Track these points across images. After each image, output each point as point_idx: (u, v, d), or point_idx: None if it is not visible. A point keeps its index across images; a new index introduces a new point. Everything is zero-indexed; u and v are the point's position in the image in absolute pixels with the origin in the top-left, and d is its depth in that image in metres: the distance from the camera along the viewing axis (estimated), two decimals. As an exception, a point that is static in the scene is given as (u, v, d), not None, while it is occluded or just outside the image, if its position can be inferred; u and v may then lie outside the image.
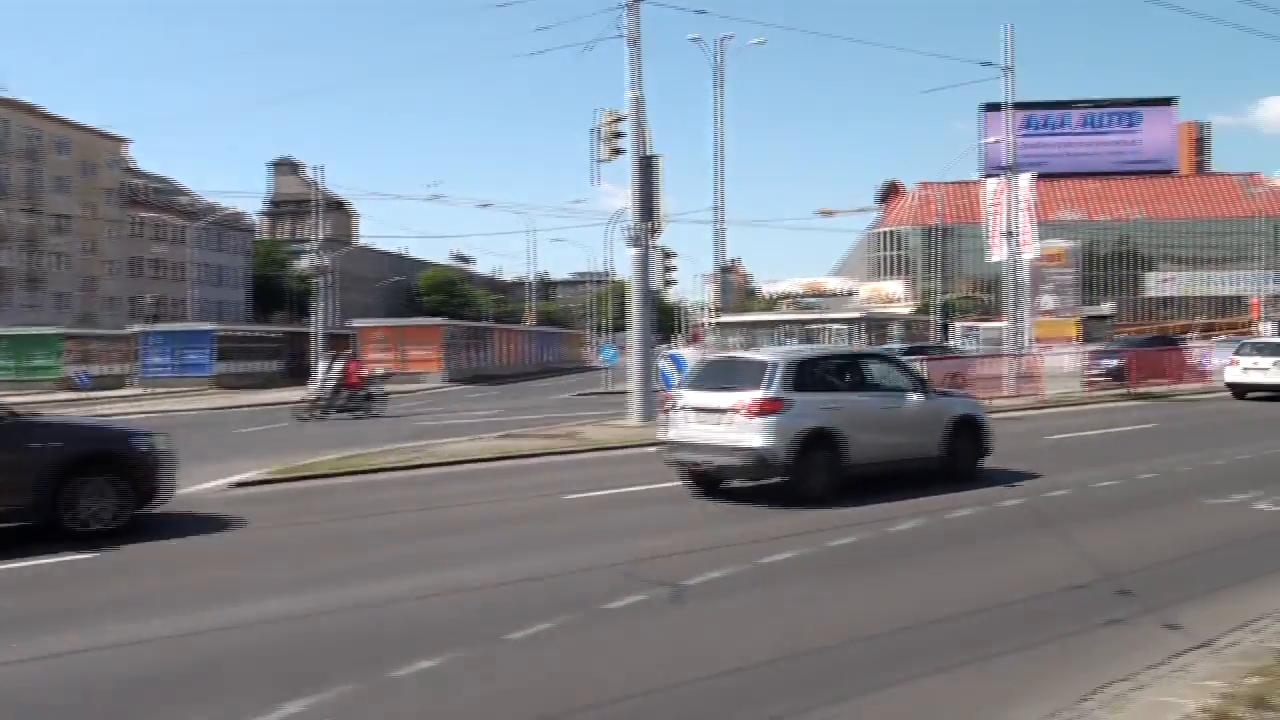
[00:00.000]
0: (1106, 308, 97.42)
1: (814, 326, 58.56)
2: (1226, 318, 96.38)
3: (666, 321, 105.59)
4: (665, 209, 24.26)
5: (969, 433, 14.50)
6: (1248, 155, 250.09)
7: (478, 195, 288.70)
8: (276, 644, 7.17)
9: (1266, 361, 29.57)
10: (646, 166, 23.82)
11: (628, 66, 23.80)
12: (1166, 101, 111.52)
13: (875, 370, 14.55)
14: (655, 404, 23.62)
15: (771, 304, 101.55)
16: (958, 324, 71.01)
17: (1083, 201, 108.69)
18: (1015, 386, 29.12)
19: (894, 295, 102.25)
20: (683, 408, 13.56)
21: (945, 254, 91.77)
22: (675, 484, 13.90)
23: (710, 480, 13.53)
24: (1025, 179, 37.00)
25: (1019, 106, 37.87)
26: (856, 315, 61.64)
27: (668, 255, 27.73)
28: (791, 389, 12.90)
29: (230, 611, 7.91)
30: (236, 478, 15.40)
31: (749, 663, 6.49)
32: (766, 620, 7.56)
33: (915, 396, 14.15)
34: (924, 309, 78.41)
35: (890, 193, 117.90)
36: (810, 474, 12.70)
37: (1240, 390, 29.65)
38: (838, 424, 12.97)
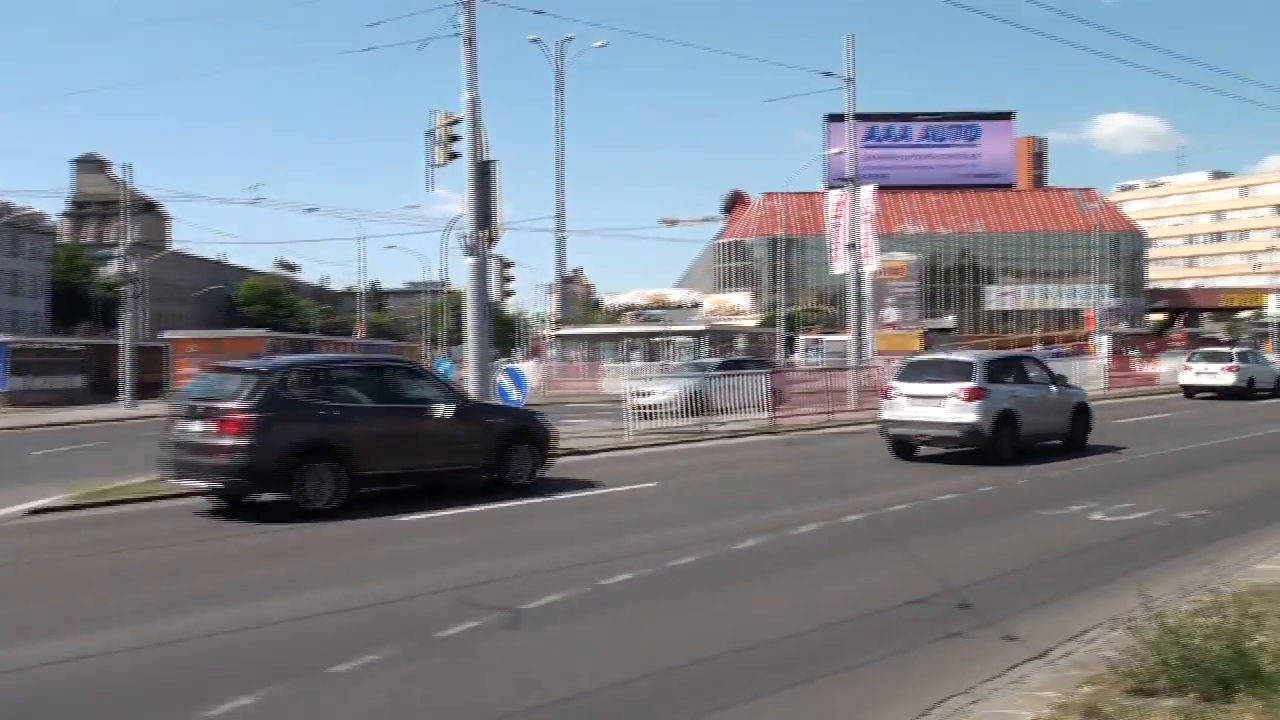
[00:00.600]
0: (949, 320, 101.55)
1: (658, 339, 59.21)
2: (1064, 330, 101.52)
3: (506, 334, 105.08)
4: (503, 216, 24.15)
5: (1084, 415, 20.76)
6: (1083, 170, 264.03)
7: (304, 199, 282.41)
8: (69, 688, 6.82)
9: (1214, 367, 38.47)
10: (484, 172, 23.68)
11: (464, 67, 23.64)
12: (1005, 116, 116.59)
13: (1030, 367, 20.95)
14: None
15: (615, 316, 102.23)
16: (802, 337, 72.80)
17: (924, 214, 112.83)
18: (858, 400, 29.95)
19: (739, 307, 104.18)
20: (898, 395, 19.31)
21: (790, 266, 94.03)
22: (523, 501, 13.90)
23: (911, 448, 19.32)
24: (867, 190, 38.22)
25: (861, 118, 39.10)
26: (701, 328, 62.58)
27: (506, 264, 27.60)
28: (987, 381, 18.78)
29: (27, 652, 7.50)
30: (32, 504, 14.56)
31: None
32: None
33: (1054, 388, 20.37)
34: (769, 321, 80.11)
35: (735, 202, 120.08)
36: (1001, 442, 18.45)
37: (1191, 391, 38.29)
38: (1016, 407, 18.88)
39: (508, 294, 28.59)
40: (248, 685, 6.47)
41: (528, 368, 50.34)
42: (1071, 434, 20.23)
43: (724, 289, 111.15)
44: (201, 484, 13.57)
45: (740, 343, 62.79)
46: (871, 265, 38.93)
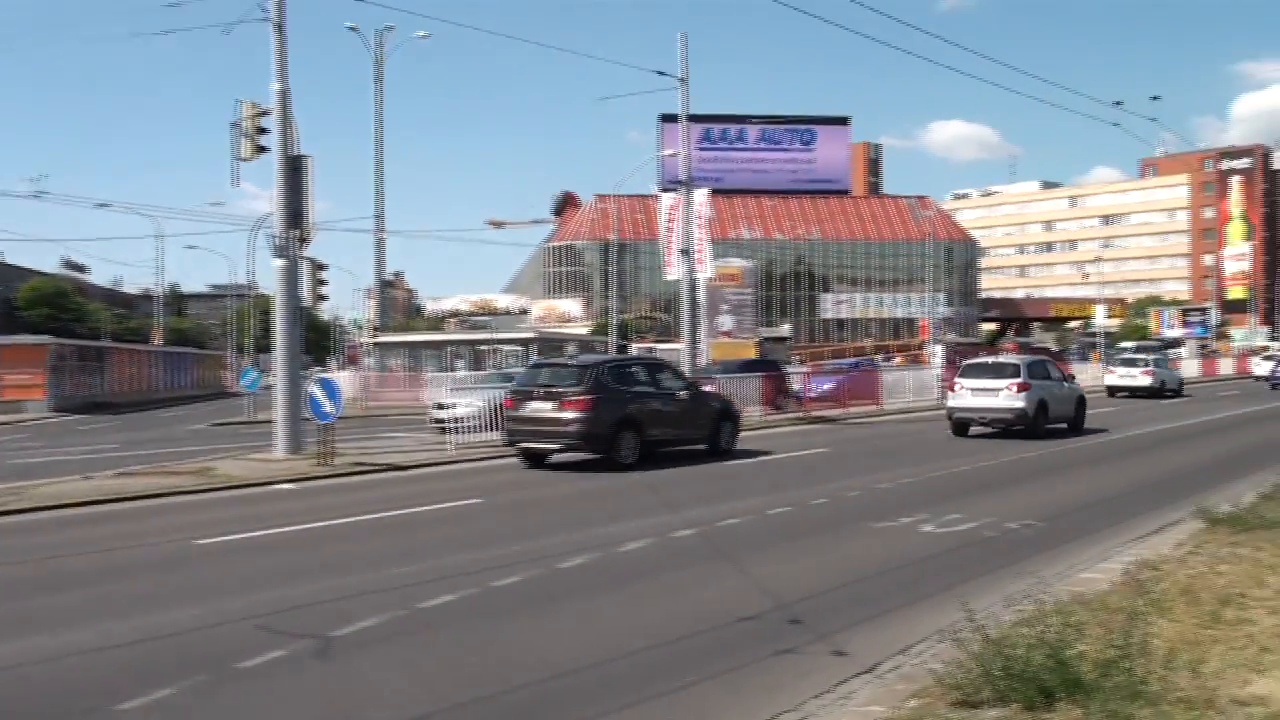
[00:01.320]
0: (785, 329, 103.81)
1: (483, 348, 58.86)
2: (898, 339, 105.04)
3: (320, 341, 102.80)
4: (316, 215, 23.71)
5: (1082, 405, 29.64)
6: (918, 178, 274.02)
7: (94, 194, 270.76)
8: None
9: (1135, 371, 49.19)
10: (294, 168, 23.16)
11: (273, 55, 23.09)
12: (841, 121, 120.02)
13: (1051, 368, 29.73)
14: (302, 434, 22.94)
15: (438, 323, 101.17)
16: (634, 345, 73.39)
17: (760, 219, 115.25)
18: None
19: (570, 314, 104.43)
20: (963, 389, 27.73)
21: (623, 271, 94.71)
22: (329, 522, 13.71)
23: (966, 426, 27.58)
24: (701, 194, 38.78)
25: (695, 119, 39.69)
26: (530, 335, 62.48)
27: (319, 267, 27.06)
28: (1029, 377, 27.22)
29: None
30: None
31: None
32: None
33: (1065, 383, 29.41)
34: (601, 329, 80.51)
35: (565, 204, 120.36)
36: (1039, 423, 26.78)
37: (1113, 390, 48.20)
38: (1048, 397, 27.45)
39: (321, 299, 28.05)
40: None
41: (343, 378, 49.34)
42: (1075, 419, 28.93)
43: (554, 294, 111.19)
44: (551, 446, 20.74)
45: (571, 351, 62.96)
46: (706, 271, 39.56)
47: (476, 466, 21.92)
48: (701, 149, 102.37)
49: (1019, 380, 26.91)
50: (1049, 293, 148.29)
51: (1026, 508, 14.76)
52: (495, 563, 11.08)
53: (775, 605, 9.18)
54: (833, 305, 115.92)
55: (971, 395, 27.55)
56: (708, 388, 27.00)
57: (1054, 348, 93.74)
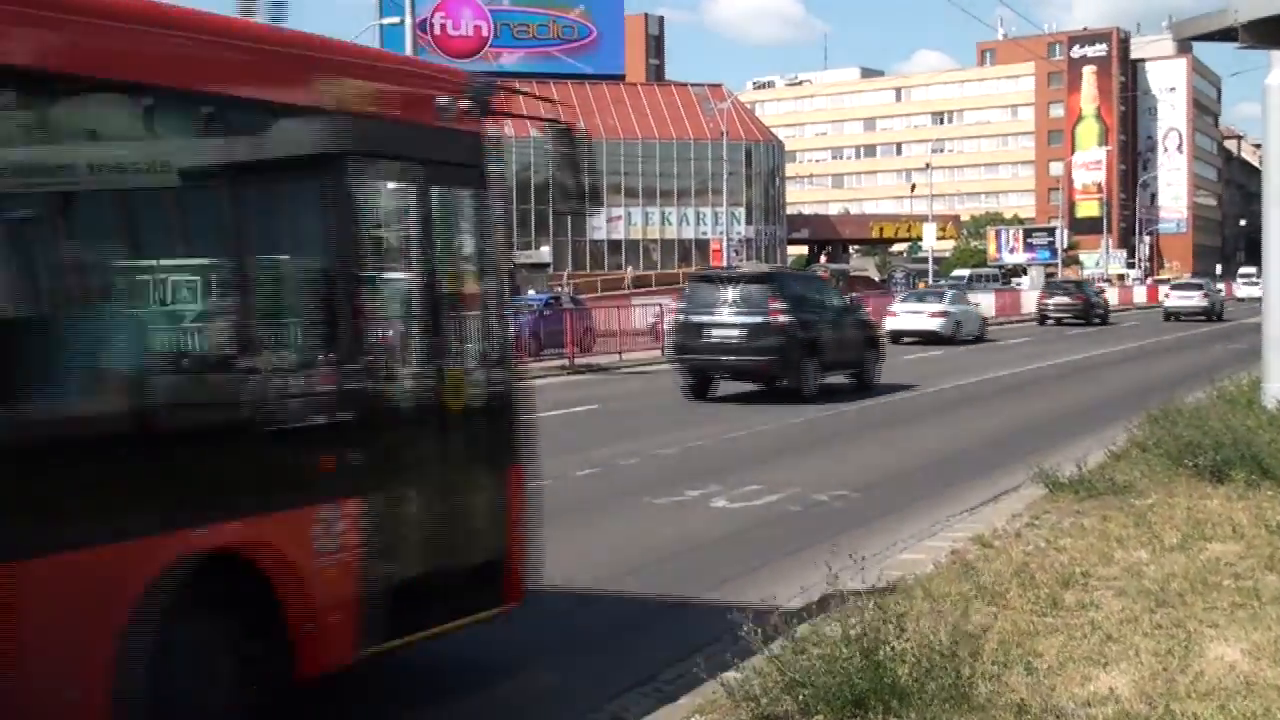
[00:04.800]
0: (544, 253, 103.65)
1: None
2: (688, 265, 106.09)
3: None
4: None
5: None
6: (708, 62, 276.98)
7: None
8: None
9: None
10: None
11: None
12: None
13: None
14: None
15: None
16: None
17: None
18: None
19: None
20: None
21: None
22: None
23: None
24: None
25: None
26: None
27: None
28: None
29: None
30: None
31: None
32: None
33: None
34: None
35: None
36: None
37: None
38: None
39: None
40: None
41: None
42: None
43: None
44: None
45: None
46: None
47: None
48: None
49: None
50: (870, 208, 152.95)
51: (839, 476, 15.34)
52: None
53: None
54: (605, 224, 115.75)
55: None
56: None
57: (875, 277, 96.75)
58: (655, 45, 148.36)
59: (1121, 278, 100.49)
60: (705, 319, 24.87)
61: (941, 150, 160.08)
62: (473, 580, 7.66)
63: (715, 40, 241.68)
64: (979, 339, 46.22)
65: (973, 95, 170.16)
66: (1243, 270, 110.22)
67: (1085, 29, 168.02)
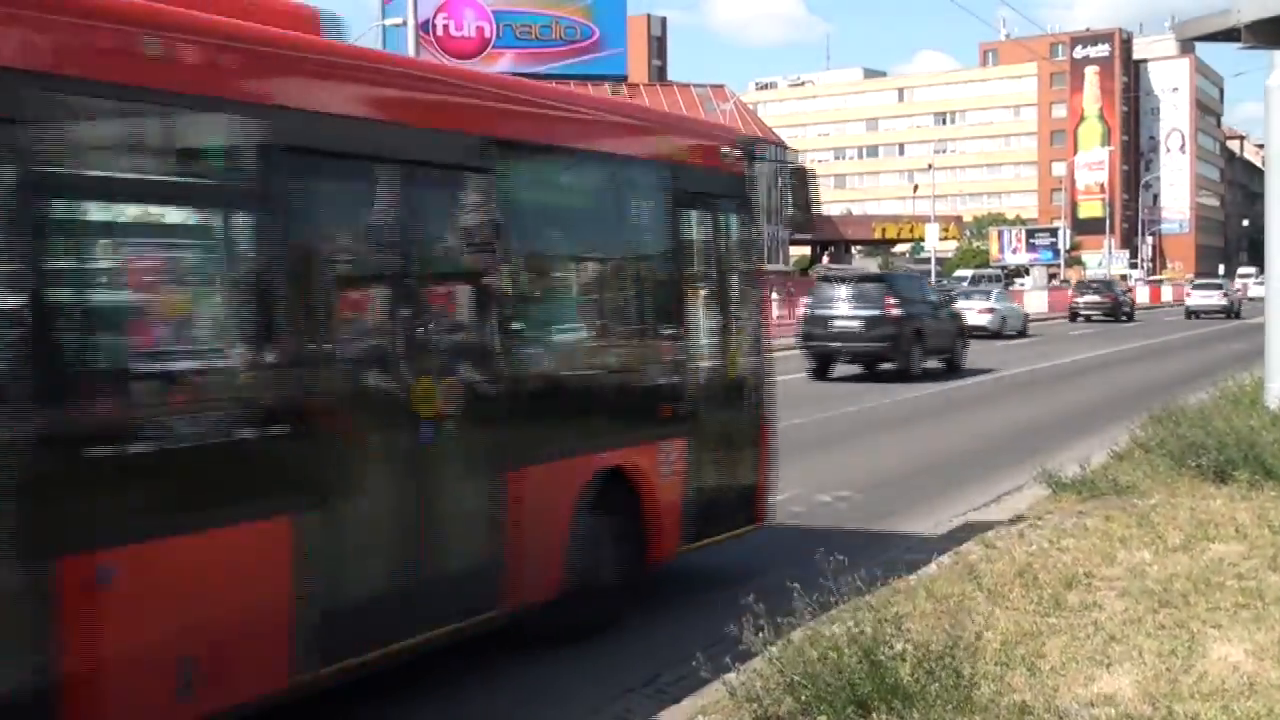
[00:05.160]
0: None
1: None
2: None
3: None
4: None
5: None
6: (711, 63, 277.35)
7: None
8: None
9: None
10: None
11: None
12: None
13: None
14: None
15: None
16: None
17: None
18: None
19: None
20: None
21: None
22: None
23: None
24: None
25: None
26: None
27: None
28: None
29: None
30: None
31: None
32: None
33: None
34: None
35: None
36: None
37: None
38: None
39: None
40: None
41: None
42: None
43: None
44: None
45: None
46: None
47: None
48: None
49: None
50: (872, 208, 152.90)
51: (841, 477, 15.33)
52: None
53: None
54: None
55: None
56: None
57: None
58: (658, 46, 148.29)
59: (1124, 278, 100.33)
60: (830, 312, 29.69)
61: (944, 151, 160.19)
62: (739, 504, 10.55)
63: (717, 41, 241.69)
64: (1022, 334, 49.58)
65: (975, 96, 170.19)
66: (1241, 270, 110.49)
67: (1088, 29, 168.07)
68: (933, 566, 9.56)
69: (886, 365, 29.57)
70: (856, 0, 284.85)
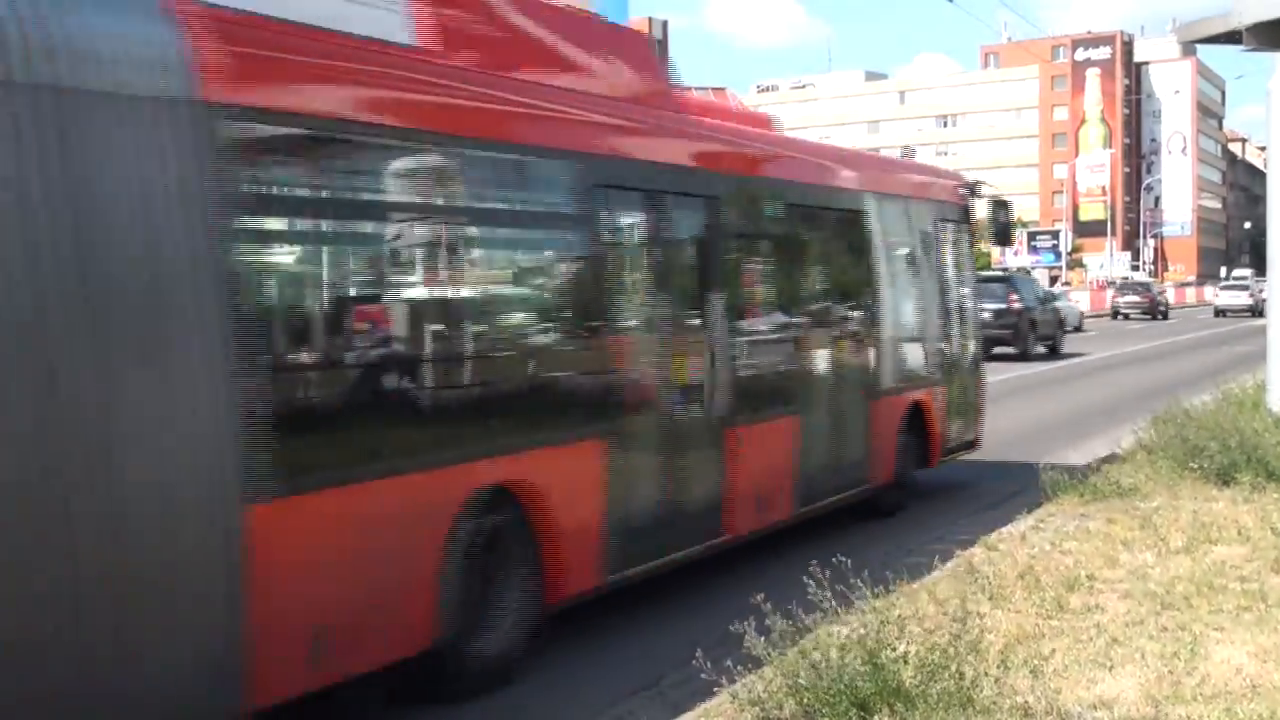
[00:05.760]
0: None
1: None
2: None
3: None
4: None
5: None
6: (714, 65, 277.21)
7: None
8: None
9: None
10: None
11: None
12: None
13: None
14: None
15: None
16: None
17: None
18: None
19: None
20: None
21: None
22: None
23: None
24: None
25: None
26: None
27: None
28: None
29: None
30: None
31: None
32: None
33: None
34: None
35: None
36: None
37: None
38: None
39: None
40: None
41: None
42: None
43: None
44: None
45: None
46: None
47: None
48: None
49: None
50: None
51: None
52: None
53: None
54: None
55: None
56: None
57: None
58: (659, 49, 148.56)
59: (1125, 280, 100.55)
60: None
61: (945, 153, 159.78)
62: (967, 431, 15.48)
63: (719, 45, 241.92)
64: (1079, 328, 54.17)
65: (976, 98, 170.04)
66: (1236, 273, 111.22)
67: (1089, 32, 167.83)
68: (935, 569, 9.54)
69: (1004, 349, 34.28)
70: (858, 3, 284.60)
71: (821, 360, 12.40)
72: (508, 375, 8.31)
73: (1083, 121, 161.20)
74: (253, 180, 6.48)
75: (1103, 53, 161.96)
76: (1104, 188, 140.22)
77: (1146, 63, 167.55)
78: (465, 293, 8.05)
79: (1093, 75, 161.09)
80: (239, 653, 5.98)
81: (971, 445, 15.55)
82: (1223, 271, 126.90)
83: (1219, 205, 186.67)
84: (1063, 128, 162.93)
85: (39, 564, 5.31)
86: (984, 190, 16.48)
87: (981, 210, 16.45)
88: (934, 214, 14.84)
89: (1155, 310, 69.15)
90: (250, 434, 6.03)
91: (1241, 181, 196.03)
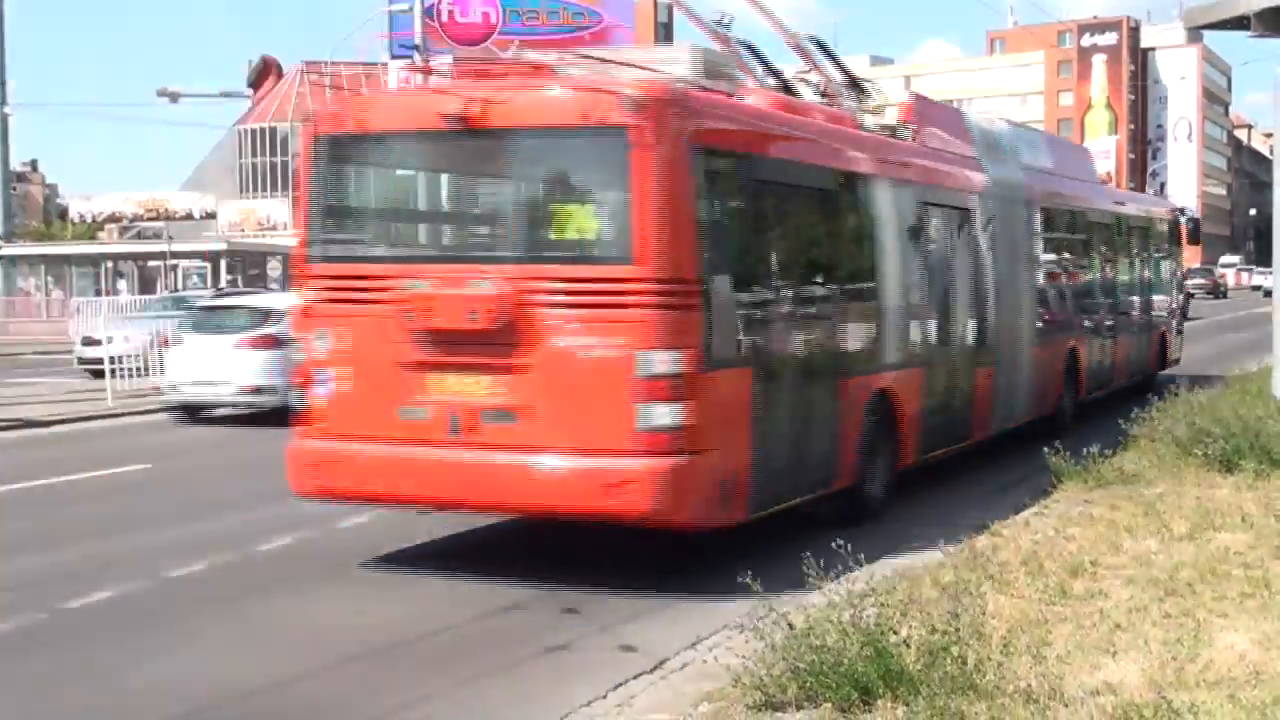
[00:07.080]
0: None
1: (155, 263, 57.06)
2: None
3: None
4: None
5: None
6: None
7: None
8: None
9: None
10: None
11: None
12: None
13: None
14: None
15: (90, 230, 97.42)
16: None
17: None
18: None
19: (273, 219, 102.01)
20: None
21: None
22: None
23: None
24: (445, 63, 38.37)
25: (436, -34, 38.92)
26: (219, 247, 60.85)
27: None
28: None
29: None
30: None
31: None
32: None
33: None
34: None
35: (264, 74, 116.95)
36: None
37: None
38: None
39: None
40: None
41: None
42: None
43: (251, 193, 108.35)
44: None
45: (275, 267, 61.68)
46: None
47: (146, 421, 21.51)
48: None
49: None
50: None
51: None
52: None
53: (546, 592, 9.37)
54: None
55: None
56: (126, 333, 25.98)
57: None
58: (665, 32, 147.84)
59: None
60: None
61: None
62: (1177, 353, 25.51)
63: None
64: None
65: (982, 84, 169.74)
66: (1224, 259, 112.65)
67: (1095, 17, 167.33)
68: (938, 554, 9.55)
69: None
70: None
71: (1108, 313, 20.44)
72: (895, 332, 12.78)
73: (1089, 107, 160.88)
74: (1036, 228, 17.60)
75: (1109, 38, 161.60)
76: (1109, 173, 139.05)
77: (1153, 49, 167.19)
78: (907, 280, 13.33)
79: (1099, 61, 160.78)
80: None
81: (1177, 362, 24.88)
82: (1222, 259, 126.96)
83: (1224, 191, 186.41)
84: (1068, 113, 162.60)
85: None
86: (1188, 211, 27.19)
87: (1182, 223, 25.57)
88: (1167, 226, 24.80)
89: (1217, 290, 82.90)
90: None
91: (1247, 168, 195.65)
